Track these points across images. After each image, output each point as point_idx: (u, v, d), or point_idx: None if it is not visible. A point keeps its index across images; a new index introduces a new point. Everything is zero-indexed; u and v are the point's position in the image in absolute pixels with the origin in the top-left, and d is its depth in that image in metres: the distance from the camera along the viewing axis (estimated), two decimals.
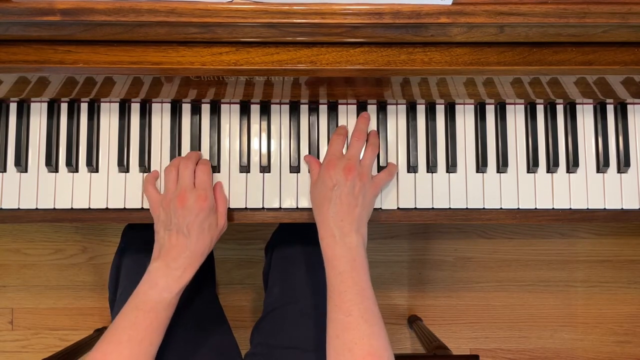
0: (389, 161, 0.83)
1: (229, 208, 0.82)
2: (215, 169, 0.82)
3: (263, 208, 0.83)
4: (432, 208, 0.83)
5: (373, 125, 0.84)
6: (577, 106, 0.84)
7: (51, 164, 0.82)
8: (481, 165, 0.83)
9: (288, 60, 0.68)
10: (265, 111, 0.83)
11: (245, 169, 0.83)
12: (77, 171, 0.83)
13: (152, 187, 0.80)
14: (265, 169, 0.83)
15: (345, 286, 0.70)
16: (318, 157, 0.83)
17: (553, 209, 0.84)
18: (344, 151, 0.80)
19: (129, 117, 0.83)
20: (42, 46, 0.68)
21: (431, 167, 0.83)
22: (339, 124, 0.84)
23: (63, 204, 0.82)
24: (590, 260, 1.59)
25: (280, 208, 0.83)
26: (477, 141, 0.84)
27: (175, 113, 0.83)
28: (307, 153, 0.83)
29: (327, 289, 0.71)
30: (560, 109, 0.84)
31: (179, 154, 0.82)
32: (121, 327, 0.71)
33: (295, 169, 0.83)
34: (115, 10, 0.63)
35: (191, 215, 0.73)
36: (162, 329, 0.73)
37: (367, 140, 0.81)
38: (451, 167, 0.83)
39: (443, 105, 0.84)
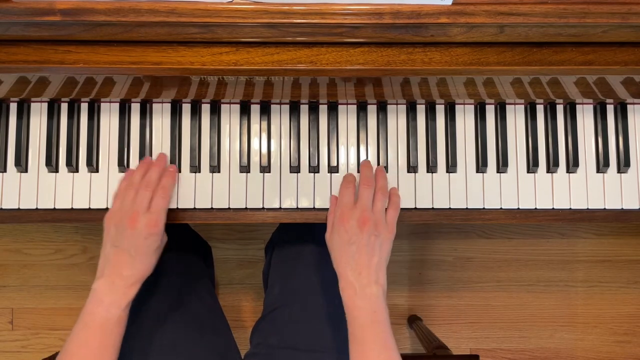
0: (392, 185, 0.82)
1: (229, 208, 0.82)
2: (215, 168, 0.82)
3: (263, 208, 0.83)
4: (432, 208, 0.83)
5: (373, 125, 0.84)
6: (577, 106, 0.84)
7: (51, 164, 0.82)
8: (481, 165, 0.83)
9: (288, 60, 0.68)
10: (265, 111, 0.83)
11: (245, 169, 0.83)
12: (77, 171, 0.83)
13: (119, 200, 0.77)
14: (265, 169, 0.83)
15: (367, 336, 0.71)
16: (318, 159, 0.83)
17: (553, 209, 0.84)
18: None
19: (129, 117, 0.83)
20: (42, 46, 0.68)
21: (431, 167, 0.83)
22: (339, 124, 0.84)
23: (63, 204, 0.82)
24: (590, 260, 1.59)
25: (280, 208, 0.83)
26: (477, 141, 0.84)
27: (175, 113, 0.83)
28: (307, 153, 0.83)
29: (349, 338, 0.72)
30: (560, 109, 0.84)
31: (179, 154, 0.82)
32: (74, 349, 0.70)
33: (295, 169, 0.83)
34: (115, 10, 0.63)
35: (139, 238, 0.73)
36: (115, 346, 0.72)
37: (375, 184, 0.79)
38: (451, 167, 0.83)
39: (443, 105, 0.84)
